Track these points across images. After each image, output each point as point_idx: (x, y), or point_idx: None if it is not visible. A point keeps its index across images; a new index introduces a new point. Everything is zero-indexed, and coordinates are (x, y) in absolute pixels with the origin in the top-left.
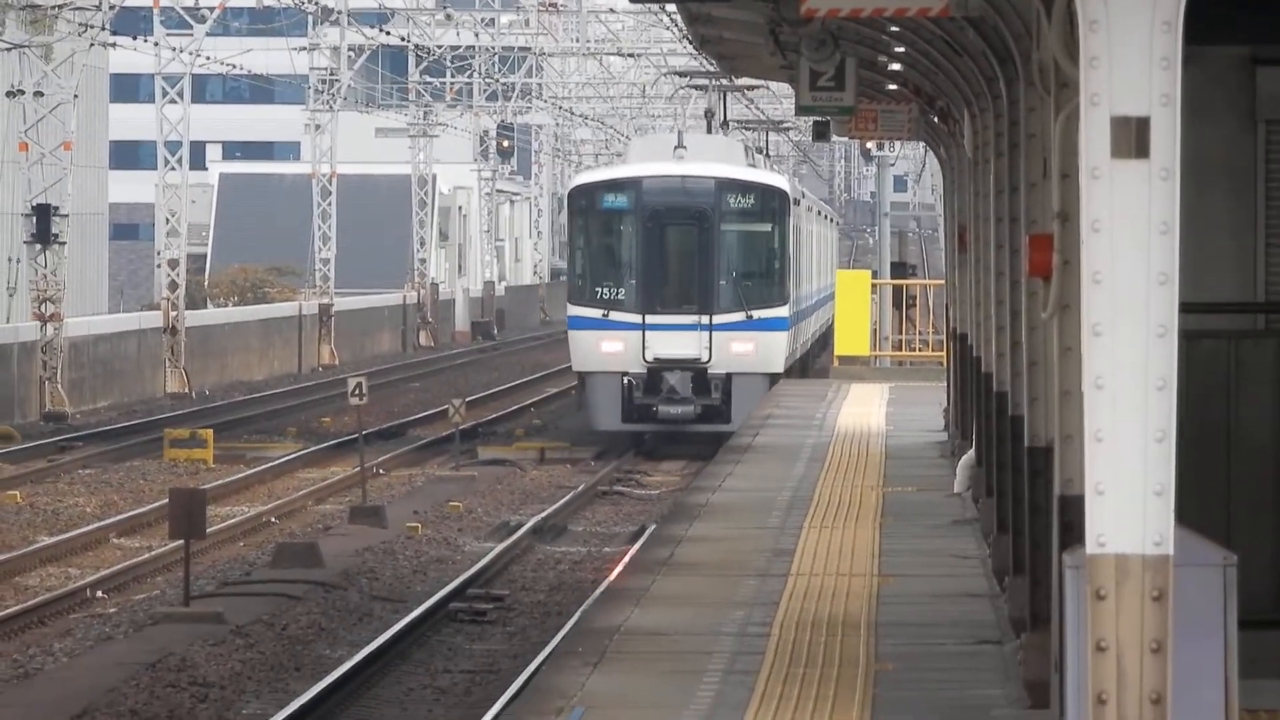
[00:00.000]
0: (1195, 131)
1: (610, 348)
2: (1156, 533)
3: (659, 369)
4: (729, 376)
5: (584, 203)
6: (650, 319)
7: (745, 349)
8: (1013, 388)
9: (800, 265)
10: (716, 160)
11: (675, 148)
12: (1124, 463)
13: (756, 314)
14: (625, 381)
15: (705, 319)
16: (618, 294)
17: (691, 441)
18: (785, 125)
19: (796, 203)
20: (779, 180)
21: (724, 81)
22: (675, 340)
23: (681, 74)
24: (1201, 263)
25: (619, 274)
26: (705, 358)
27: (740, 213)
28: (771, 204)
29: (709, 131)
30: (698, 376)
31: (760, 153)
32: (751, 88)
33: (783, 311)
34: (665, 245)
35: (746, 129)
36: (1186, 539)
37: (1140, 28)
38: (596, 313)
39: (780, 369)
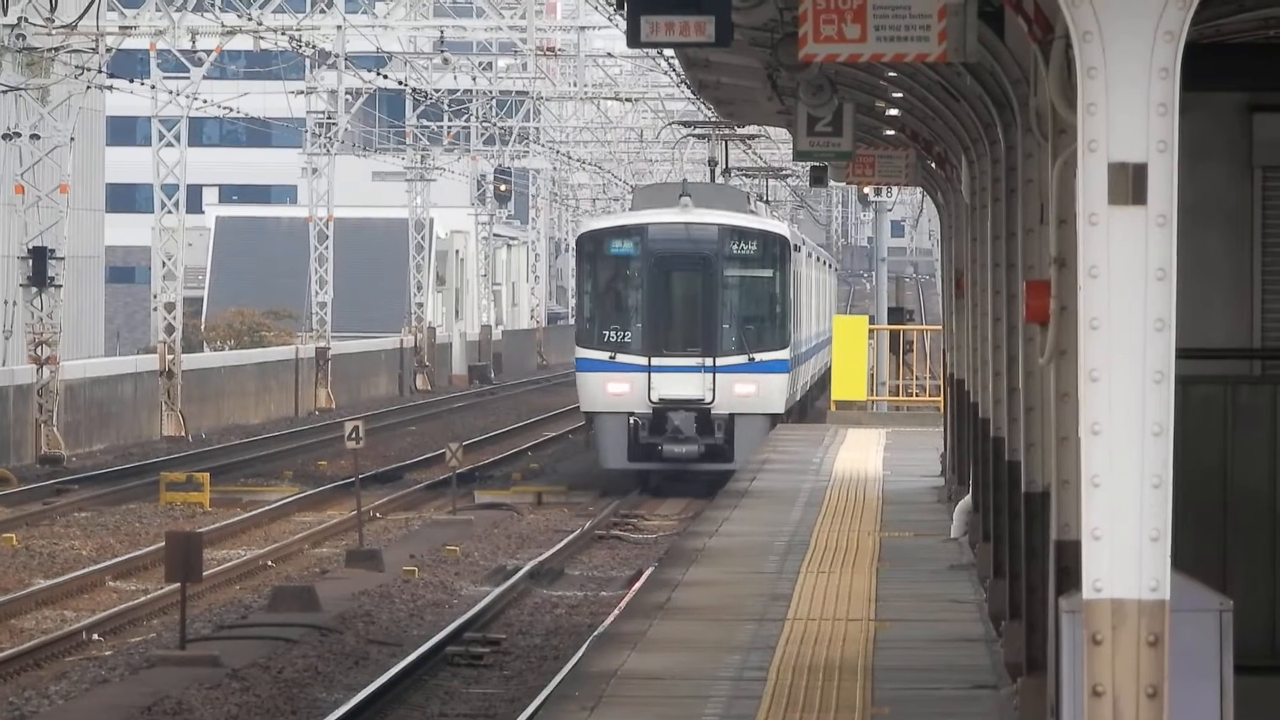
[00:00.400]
0: (1192, 177)
1: (617, 389)
2: (1153, 578)
3: (664, 409)
4: (731, 417)
5: (592, 249)
6: (656, 361)
7: (747, 390)
8: (1009, 433)
9: (800, 310)
10: (720, 208)
11: (680, 196)
12: (1120, 508)
13: (758, 357)
14: (631, 421)
15: (709, 361)
16: (624, 337)
17: (694, 480)
18: (785, 172)
19: (797, 249)
20: (780, 227)
21: (726, 131)
22: (680, 382)
23: (685, 124)
24: (1198, 308)
25: (626, 318)
26: (709, 399)
27: (743, 259)
28: (773, 250)
29: (711, 180)
30: (701, 417)
31: (760, 199)
32: (752, 137)
33: (783, 354)
34: (670, 290)
35: (747, 176)
36: (1183, 584)
37: (1137, 74)
38: (604, 355)
39: (781, 410)
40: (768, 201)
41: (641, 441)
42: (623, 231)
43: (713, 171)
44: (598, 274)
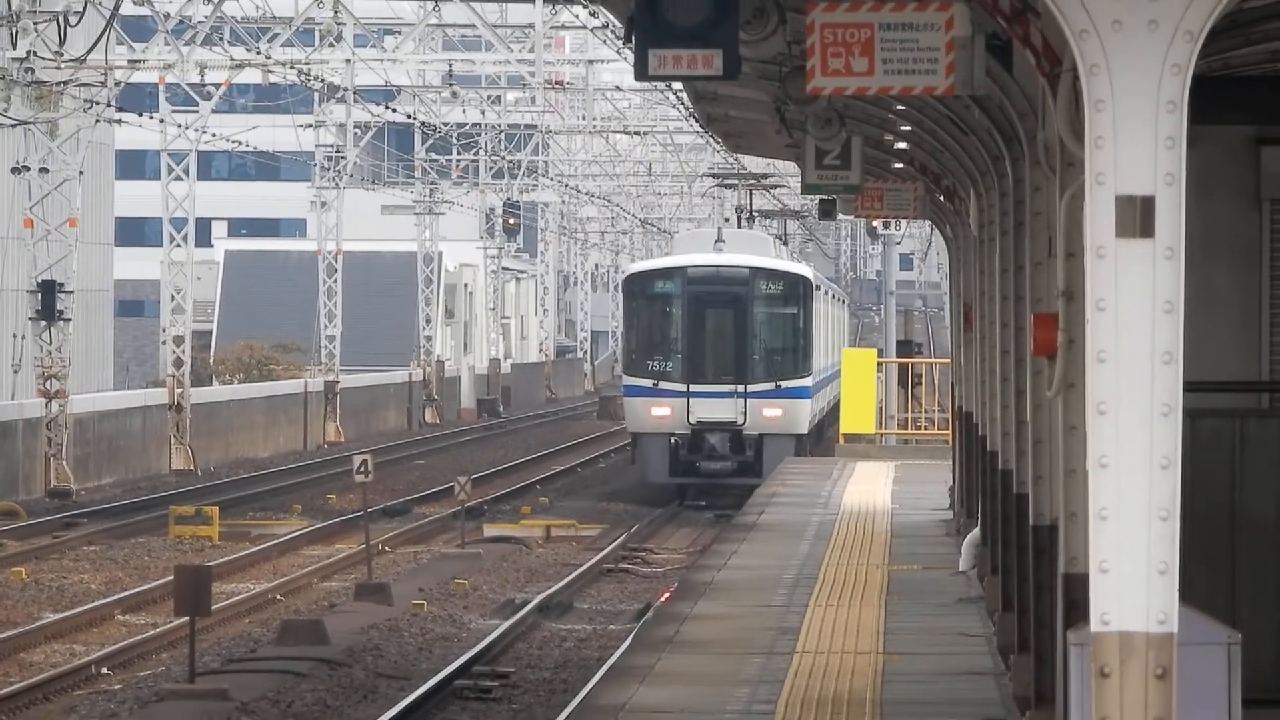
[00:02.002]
0: (1200, 210)
1: (659, 412)
2: (1161, 611)
3: (701, 430)
4: (761, 437)
5: (636, 288)
6: (694, 388)
7: (775, 413)
8: (1018, 466)
9: (819, 342)
10: (750, 252)
11: (715, 241)
12: (1128, 541)
13: (784, 383)
14: (672, 441)
15: (740, 388)
16: (666, 366)
17: (727, 493)
18: (803, 214)
19: (818, 288)
20: (804, 269)
21: (752, 181)
22: (715, 406)
23: (715, 175)
24: (1206, 341)
25: (667, 349)
26: (740, 421)
27: (770, 297)
28: (797, 289)
29: (739, 225)
30: (734, 437)
31: (778, 239)
32: (776, 186)
33: (806, 381)
34: (706, 324)
35: (767, 218)
36: (1191, 617)
37: (1145, 108)
38: (648, 382)
39: (805, 430)
40: (785, 242)
41: (681, 459)
42: (664, 273)
43: (739, 217)
44: (642, 310)
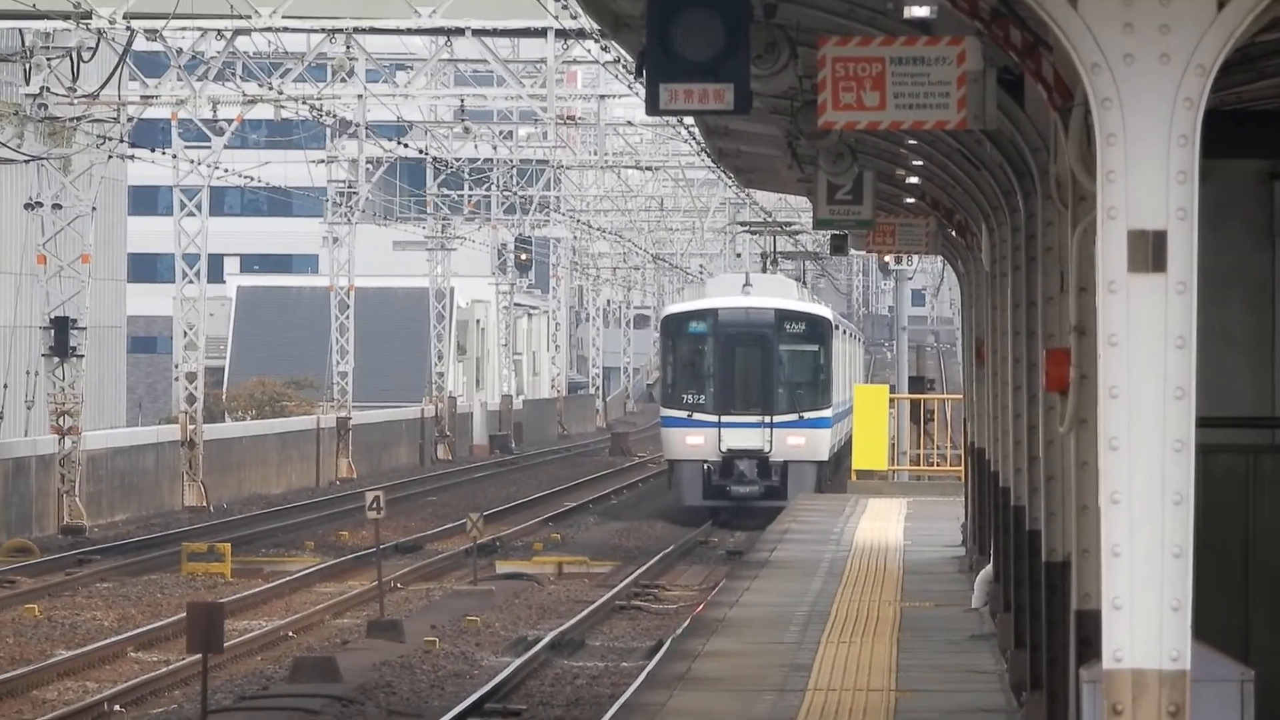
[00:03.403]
0: (1212, 245)
1: (694, 441)
2: (1173, 648)
3: (731, 457)
4: (785, 463)
5: (673, 328)
6: (724, 419)
7: (798, 442)
8: (1030, 502)
9: (838, 377)
10: (775, 295)
11: (744, 285)
12: (1141, 577)
13: (806, 415)
14: (705, 467)
15: (767, 419)
16: (699, 399)
17: (755, 514)
18: (821, 256)
19: (836, 328)
20: (824, 311)
21: (775, 228)
22: (744, 435)
23: (743, 224)
24: (1219, 377)
25: (701, 383)
26: (767, 449)
27: (794, 336)
28: (818, 329)
29: (764, 270)
30: (761, 463)
31: (799, 280)
32: (798, 232)
33: (826, 413)
34: (736, 361)
35: (788, 259)
36: (1204, 654)
37: (1157, 142)
38: (683, 414)
39: (825, 457)
40: (804, 284)
41: (713, 483)
42: (698, 314)
43: (764, 263)
44: (678, 348)
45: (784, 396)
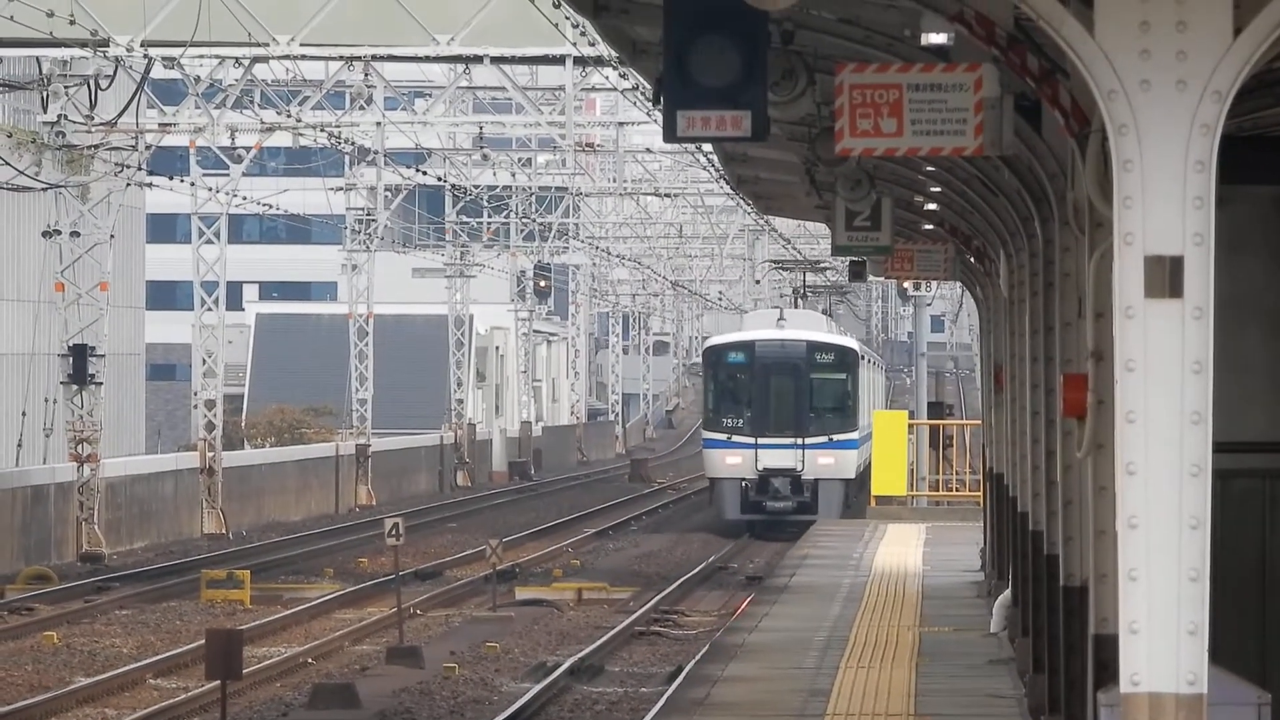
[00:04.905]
0: (1230, 270)
1: (733, 461)
2: (1190, 672)
3: (767, 476)
4: (816, 481)
5: (714, 359)
6: (761, 440)
7: (828, 461)
8: (1048, 527)
9: (864, 402)
10: (807, 328)
11: (778, 319)
12: (1158, 602)
13: (835, 437)
14: (743, 484)
15: (800, 440)
16: (738, 423)
17: (788, 527)
18: (845, 289)
19: (862, 358)
20: (852, 342)
21: (805, 265)
22: (778, 456)
23: (776, 263)
24: (1235, 402)
25: (739, 408)
26: (800, 468)
27: (824, 365)
28: (846, 359)
29: (795, 304)
30: (794, 481)
31: (826, 313)
32: (825, 268)
33: (853, 435)
34: (771, 388)
35: (814, 293)
36: (1220, 678)
37: (1174, 168)
38: (723, 436)
39: (853, 475)
40: (831, 315)
41: (750, 499)
42: (737, 346)
43: (796, 298)
44: (718, 377)
45: (815, 420)
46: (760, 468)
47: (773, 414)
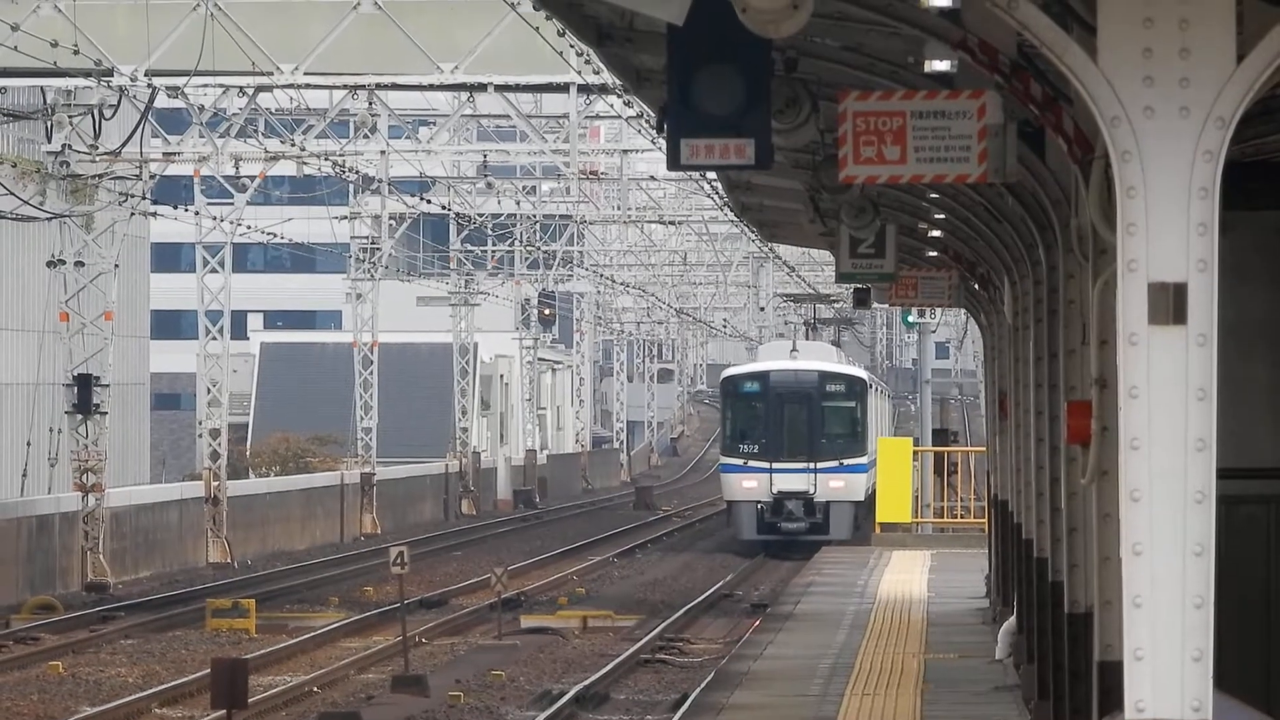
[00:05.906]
0: (1234, 297)
1: (749, 484)
2: (1195, 698)
3: (781, 498)
4: (828, 503)
5: (731, 388)
6: (775, 465)
7: (839, 484)
8: (1053, 554)
9: (872, 428)
10: (818, 359)
11: (791, 350)
12: (1162, 628)
13: (845, 461)
14: (759, 507)
15: (812, 465)
16: (754, 448)
17: (801, 547)
18: (854, 321)
19: (870, 386)
20: (861, 372)
21: (817, 297)
22: (792, 479)
23: (787, 296)
24: (1240, 428)
25: (755, 434)
26: (812, 491)
27: (834, 394)
28: (855, 388)
29: (807, 337)
30: (807, 503)
31: (833, 343)
32: (835, 301)
33: (863, 460)
34: (785, 416)
35: (825, 325)
36: (1225, 704)
37: (1177, 194)
38: (740, 461)
39: (861, 498)
40: (839, 345)
41: (765, 520)
42: (753, 376)
43: (808, 330)
44: (735, 405)
45: (826, 446)
46: (775, 491)
47: (787, 440)
